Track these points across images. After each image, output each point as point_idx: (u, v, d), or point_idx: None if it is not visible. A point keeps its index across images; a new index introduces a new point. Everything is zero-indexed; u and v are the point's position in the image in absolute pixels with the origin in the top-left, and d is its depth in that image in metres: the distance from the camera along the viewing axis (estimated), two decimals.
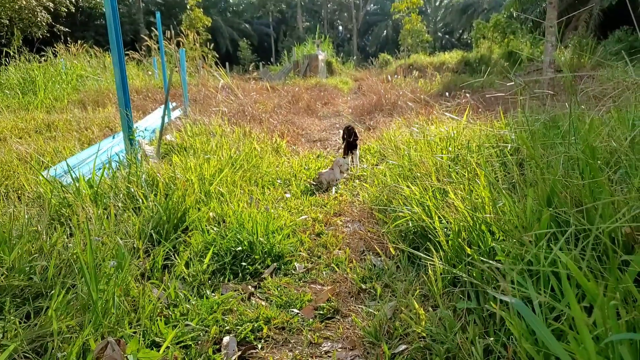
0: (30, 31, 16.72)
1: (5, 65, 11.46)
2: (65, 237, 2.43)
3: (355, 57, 36.75)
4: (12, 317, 1.70)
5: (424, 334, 1.81)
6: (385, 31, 51.22)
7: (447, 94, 8.55)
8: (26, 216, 2.47)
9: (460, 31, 46.13)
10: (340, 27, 58.18)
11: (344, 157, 4.86)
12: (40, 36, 16.99)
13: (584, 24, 16.00)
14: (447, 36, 49.48)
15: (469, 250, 2.01)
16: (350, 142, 4.98)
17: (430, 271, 2.12)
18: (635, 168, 1.91)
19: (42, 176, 3.23)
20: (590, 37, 14.83)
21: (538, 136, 2.68)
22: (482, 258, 1.90)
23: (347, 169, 4.61)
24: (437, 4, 50.59)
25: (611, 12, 15.40)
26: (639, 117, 2.58)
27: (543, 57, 9.32)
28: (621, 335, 1.10)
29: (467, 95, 6.83)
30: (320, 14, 53.34)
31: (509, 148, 2.96)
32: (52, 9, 17.99)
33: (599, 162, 2.02)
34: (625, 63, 2.69)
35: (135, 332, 1.88)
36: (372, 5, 55.53)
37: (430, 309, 1.99)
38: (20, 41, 15.32)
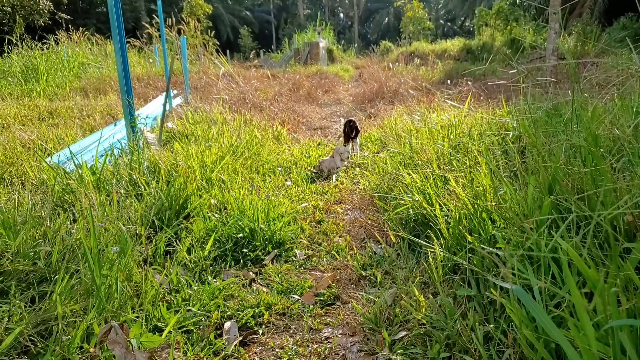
0: (32, 19, 16.58)
1: (8, 52, 11.41)
2: (69, 223, 2.45)
3: (356, 45, 36.48)
4: (17, 301, 1.72)
5: (424, 321, 1.82)
6: (386, 18, 50.72)
7: (448, 81, 8.49)
8: (30, 202, 2.48)
9: (463, 18, 45.62)
10: (342, 15, 57.64)
11: (345, 145, 4.85)
12: (42, 24, 16.85)
13: (588, 11, 15.81)
14: (449, 23, 48.99)
15: (469, 238, 2.01)
16: (351, 137, 4.97)
17: (430, 259, 2.13)
18: (639, 156, 1.90)
19: (46, 163, 3.23)
20: (594, 24, 14.63)
21: (540, 124, 2.67)
22: (482, 245, 1.90)
23: (348, 157, 4.60)
24: None
25: None
26: None
27: (546, 44, 9.23)
28: (621, 321, 1.10)
29: (469, 83, 6.79)
30: (321, 1, 52.79)
31: (510, 136, 2.95)
32: None
33: (601, 150, 2.01)
34: (630, 50, 2.67)
35: (138, 317, 1.90)
36: None
37: (430, 296, 2.00)
38: (23, 29, 15.22)
